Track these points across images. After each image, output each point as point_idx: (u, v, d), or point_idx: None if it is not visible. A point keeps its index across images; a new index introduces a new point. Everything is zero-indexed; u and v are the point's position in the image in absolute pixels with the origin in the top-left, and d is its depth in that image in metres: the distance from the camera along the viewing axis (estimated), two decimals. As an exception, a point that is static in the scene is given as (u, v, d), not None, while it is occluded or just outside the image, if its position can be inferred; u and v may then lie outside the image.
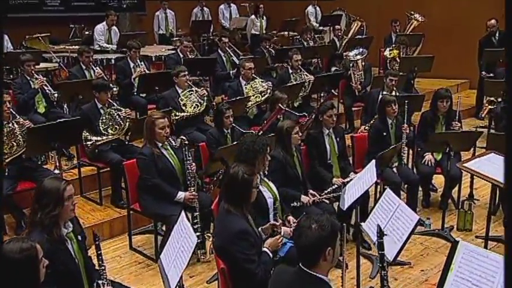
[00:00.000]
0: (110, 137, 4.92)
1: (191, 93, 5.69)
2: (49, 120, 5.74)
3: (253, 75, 6.27)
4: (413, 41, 9.05)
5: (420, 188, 5.22)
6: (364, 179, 3.33)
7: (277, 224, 3.03)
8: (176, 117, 5.47)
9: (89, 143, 4.86)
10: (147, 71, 6.88)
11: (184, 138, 4.13)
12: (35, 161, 4.68)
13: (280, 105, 5.22)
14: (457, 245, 2.33)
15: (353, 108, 7.67)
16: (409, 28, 9.87)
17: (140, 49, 7.02)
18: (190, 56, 7.55)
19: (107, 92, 5.09)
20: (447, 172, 4.70)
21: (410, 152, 5.60)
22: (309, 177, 4.57)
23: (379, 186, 4.74)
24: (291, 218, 3.60)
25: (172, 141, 4.17)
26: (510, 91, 2.17)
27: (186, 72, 5.82)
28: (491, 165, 3.36)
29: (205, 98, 5.73)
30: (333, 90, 6.35)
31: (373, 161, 3.48)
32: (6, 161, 4.28)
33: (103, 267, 2.78)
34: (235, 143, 4.44)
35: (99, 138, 4.90)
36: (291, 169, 4.09)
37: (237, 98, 5.78)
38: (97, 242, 2.75)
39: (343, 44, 9.61)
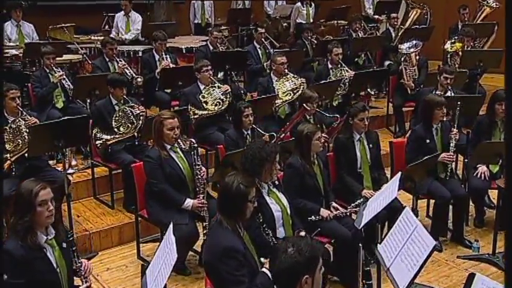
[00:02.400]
0: (121, 135, 5.02)
1: (213, 90, 5.72)
2: (67, 116, 6.04)
3: (285, 70, 6.22)
4: (483, 31, 8.66)
5: (473, 204, 5.02)
6: (385, 194, 3.21)
7: (271, 234, 2.97)
8: (195, 116, 5.53)
9: (98, 142, 5.01)
10: (172, 65, 6.98)
11: (193, 140, 4.17)
12: (44, 160, 4.85)
13: (305, 105, 5.14)
14: (473, 278, 2.20)
15: (404, 109, 7.47)
16: (480, 16, 9.43)
17: (166, 41, 7.12)
18: (220, 48, 7.59)
19: (122, 87, 5.22)
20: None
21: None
22: (337, 188, 4.50)
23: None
24: (302, 233, 3.53)
25: (182, 144, 4.19)
26: (510, 91, 2.02)
27: (210, 67, 5.86)
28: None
29: (229, 95, 5.74)
30: (368, 89, 6.13)
31: (399, 173, 3.35)
32: (12, 159, 4.47)
33: (79, 264, 2.84)
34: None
35: (108, 137, 5.04)
36: (310, 179, 4.02)
37: (262, 96, 5.74)
38: (70, 237, 2.81)
39: (399, 34, 9.32)
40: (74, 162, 5.78)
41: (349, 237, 3.82)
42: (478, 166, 4.86)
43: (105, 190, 5.42)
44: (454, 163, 5.05)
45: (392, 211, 4.21)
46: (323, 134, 5.09)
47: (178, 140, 4.21)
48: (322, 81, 6.26)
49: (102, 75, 5.86)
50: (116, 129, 5.09)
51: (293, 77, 6.14)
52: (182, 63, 7.92)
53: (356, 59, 8.71)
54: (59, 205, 4.59)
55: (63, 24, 7.72)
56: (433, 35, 8.91)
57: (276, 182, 3.57)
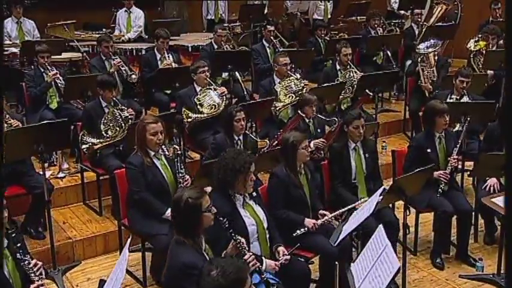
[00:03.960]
0: (108, 140, 5.13)
1: (210, 92, 5.78)
2: (60, 117, 6.20)
3: (288, 71, 6.24)
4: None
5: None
6: (365, 209, 3.22)
7: (241, 240, 2.99)
8: (189, 119, 5.60)
9: (84, 146, 5.13)
10: (175, 64, 7.07)
11: (177, 147, 4.24)
12: (28, 164, 4.99)
13: (300, 111, 5.17)
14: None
15: (420, 113, 7.39)
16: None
17: (168, 39, 7.22)
18: (225, 47, 7.64)
19: (111, 89, 5.34)
20: None
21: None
22: (331, 200, 4.52)
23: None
24: (281, 248, 3.57)
25: (166, 150, 4.26)
26: (509, 91, 2.00)
27: (206, 68, 5.93)
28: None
29: (225, 97, 5.79)
30: (367, 91, 6.06)
31: (382, 188, 3.35)
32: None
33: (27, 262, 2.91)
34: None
35: (95, 140, 5.16)
36: (295, 189, 4.05)
37: (258, 100, 5.78)
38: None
39: (423, 32, 9.20)
40: (65, 166, 5.92)
41: (335, 253, 3.82)
42: (487, 178, 4.79)
43: (95, 196, 5.53)
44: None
45: (387, 227, 4.23)
46: (320, 140, 5.13)
47: (162, 147, 4.27)
48: (325, 84, 6.24)
49: (93, 76, 5.97)
50: (103, 133, 5.21)
51: (296, 78, 6.15)
52: (187, 62, 8.02)
53: (375, 58, 8.70)
54: (41, 212, 4.74)
55: (63, 22, 7.89)
56: (464, 32, 8.68)
57: (254, 194, 3.59)
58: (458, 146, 4.68)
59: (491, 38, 7.56)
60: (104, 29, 9.54)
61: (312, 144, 5.14)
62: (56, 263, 4.55)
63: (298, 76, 6.23)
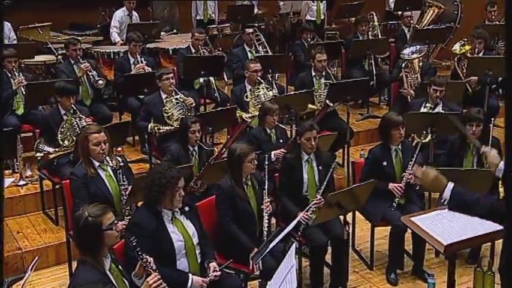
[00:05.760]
0: (65, 149, 5.25)
1: (177, 103, 5.86)
2: (25, 123, 6.35)
3: (258, 78, 6.31)
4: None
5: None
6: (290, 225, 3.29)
7: (148, 260, 3.07)
8: (159, 131, 5.74)
9: (38, 154, 5.25)
10: (149, 69, 7.17)
11: (119, 159, 4.33)
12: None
13: (244, 116, 5.25)
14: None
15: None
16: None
17: (141, 42, 7.31)
18: (201, 51, 7.72)
19: (69, 97, 5.45)
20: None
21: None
22: (279, 211, 4.60)
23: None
24: (212, 264, 3.65)
25: (109, 161, 4.36)
26: (509, 91, 2.07)
27: (171, 75, 6.03)
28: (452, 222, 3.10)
29: (193, 109, 5.88)
30: (327, 101, 6.09)
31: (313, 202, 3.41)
32: None
33: None
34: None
35: (51, 149, 5.27)
36: (241, 202, 4.15)
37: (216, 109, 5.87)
38: None
39: (412, 35, 9.19)
40: (28, 173, 6.06)
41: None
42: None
43: (53, 204, 5.65)
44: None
45: (333, 241, 4.32)
46: (281, 150, 5.20)
47: (107, 157, 4.37)
48: (291, 92, 6.30)
49: (54, 82, 6.07)
50: (60, 142, 5.33)
51: (264, 87, 6.22)
52: (169, 66, 8.13)
53: (363, 64, 8.71)
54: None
55: (37, 24, 8.03)
56: (465, 34, 8.42)
57: (186, 209, 3.68)
58: (413, 159, 4.71)
59: (477, 42, 7.55)
60: (88, 31, 9.78)
61: (272, 155, 5.24)
62: (3, 275, 4.66)
63: (266, 84, 6.27)
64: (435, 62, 9.80)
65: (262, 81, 6.32)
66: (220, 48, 10.20)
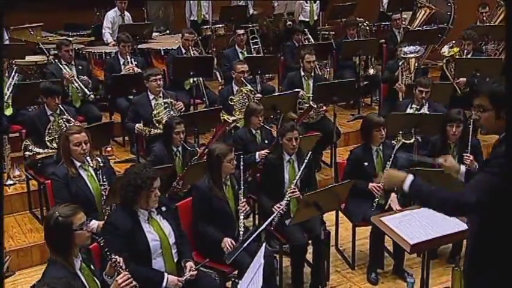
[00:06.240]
0: (50, 152, 5.28)
1: (167, 107, 5.89)
2: (14, 124, 6.38)
3: (243, 79, 6.34)
4: (499, 34, 8.49)
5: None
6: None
7: (117, 260, 3.10)
8: (150, 133, 5.77)
9: (27, 153, 5.27)
10: (138, 69, 7.19)
11: (99, 159, 4.36)
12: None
13: (226, 118, 5.28)
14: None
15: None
16: (498, 17, 9.25)
17: (130, 43, 7.34)
18: (192, 52, 7.74)
19: (55, 97, 5.48)
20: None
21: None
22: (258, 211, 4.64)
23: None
24: (189, 264, 3.68)
25: (90, 161, 4.38)
26: (509, 91, 2.10)
27: (159, 77, 6.05)
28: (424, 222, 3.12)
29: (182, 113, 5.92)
30: (311, 103, 6.12)
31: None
32: None
33: None
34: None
35: (40, 150, 5.30)
36: (218, 202, 4.18)
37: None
38: None
39: (402, 36, 9.19)
40: (17, 173, 6.09)
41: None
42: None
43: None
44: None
45: (313, 241, 4.35)
46: (265, 151, 5.23)
47: (87, 158, 4.40)
48: (276, 93, 6.33)
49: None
50: (48, 143, 5.36)
51: (249, 89, 6.23)
52: (160, 66, 8.16)
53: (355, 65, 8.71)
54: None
55: (28, 25, 8.05)
56: (459, 35, 8.47)
57: (164, 209, 3.71)
58: (391, 160, 4.74)
59: (466, 44, 7.57)
60: (83, 31, 9.81)
61: (257, 156, 5.28)
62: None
63: (250, 86, 6.29)
64: (428, 62, 9.85)
65: (246, 83, 6.34)
66: (214, 49, 10.23)
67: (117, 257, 3.11)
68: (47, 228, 3.07)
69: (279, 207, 4.32)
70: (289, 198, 4.39)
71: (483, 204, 2.57)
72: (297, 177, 4.49)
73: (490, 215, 2.60)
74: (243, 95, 6.19)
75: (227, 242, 4.05)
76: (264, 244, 3.10)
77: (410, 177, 2.79)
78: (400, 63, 7.50)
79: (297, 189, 4.42)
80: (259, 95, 6.30)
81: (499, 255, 2.56)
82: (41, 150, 5.34)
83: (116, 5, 9.05)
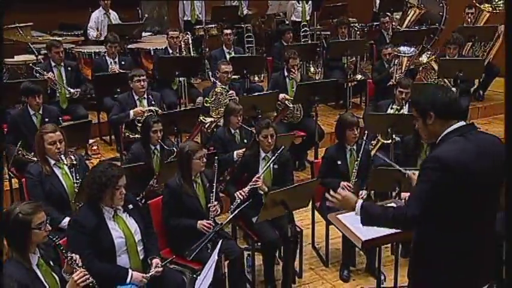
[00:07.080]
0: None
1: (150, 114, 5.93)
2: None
3: (228, 80, 6.37)
4: (486, 35, 8.52)
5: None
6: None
7: (72, 257, 3.14)
8: (129, 137, 5.85)
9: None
10: (118, 70, 7.22)
11: (72, 157, 4.41)
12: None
13: (201, 118, 5.32)
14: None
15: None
16: (483, 19, 9.24)
17: (117, 43, 7.39)
18: (180, 51, 7.76)
19: (35, 96, 5.54)
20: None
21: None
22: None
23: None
24: (155, 260, 3.71)
25: (64, 160, 4.43)
26: (509, 91, 2.15)
27: (143, 77, 6.09)
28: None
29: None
30: (286, 103, 6.14)
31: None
32: None
33: None
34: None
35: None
36: (188, 199, 4.23)
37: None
38: None
39: (390, 37, 9.19)
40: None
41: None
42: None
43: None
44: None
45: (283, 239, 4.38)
46: (243, 150, 5.27)
47: (62, 156, 4.44)
48: (256, 94, 6.37)
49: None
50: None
51: (225, 89, 6.26)
52: (150, 66, 8.22)
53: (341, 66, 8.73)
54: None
55: (17, 24, 8.10)
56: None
57: (130, 207, 3.75)
58: (359, 159, 4.78)
59: (452, 47, 7.59)
60: (78, 31, 9.85)
61: (235, 155, 5.32)
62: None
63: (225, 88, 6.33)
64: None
65: (224, 86, 6.35)
66: (207, 49, 10.26)
67: (73, 254, 3.15)
68: (6, 223, 3.08)
69: (241, 194, 4.38)
70: (251, 187, 4.44)
71: (428, 213, 2.63)
72: (264, 168, 4.53)
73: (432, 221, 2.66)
74: (217, 94, 6.21)
75: (202, 223, 4.11)
76: (220, 241, 3.13)
77: (359, 203, 2.83)
78: (396, 61, 7.52)
79: (259, 180, 4.48)
80: (232, 92, 6.30)
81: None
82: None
83: (100, 4, 9.05)
